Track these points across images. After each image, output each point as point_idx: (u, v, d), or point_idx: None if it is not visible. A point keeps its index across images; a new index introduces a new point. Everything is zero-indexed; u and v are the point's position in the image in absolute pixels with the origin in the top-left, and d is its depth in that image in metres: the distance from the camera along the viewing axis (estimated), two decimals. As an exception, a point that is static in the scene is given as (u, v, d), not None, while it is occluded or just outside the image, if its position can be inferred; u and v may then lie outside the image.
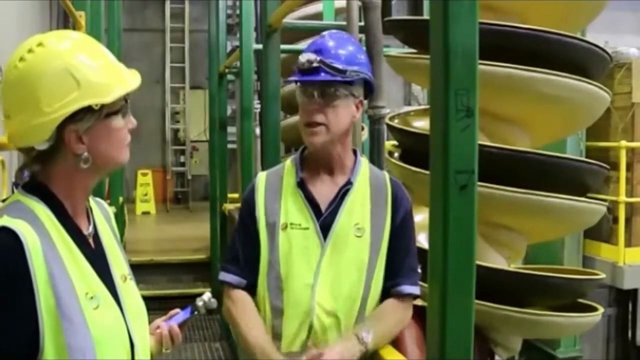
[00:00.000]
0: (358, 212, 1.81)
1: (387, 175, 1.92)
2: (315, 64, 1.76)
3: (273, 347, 1.76)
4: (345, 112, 1.80)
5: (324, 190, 1.84)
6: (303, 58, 1.78)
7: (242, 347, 1.87)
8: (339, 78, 1.77)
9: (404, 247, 1.84)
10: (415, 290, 1.83)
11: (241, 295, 1.85)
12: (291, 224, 1.80)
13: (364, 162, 1.91)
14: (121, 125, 1.29)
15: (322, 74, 1.76)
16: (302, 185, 1.84)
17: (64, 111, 1.20)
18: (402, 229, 1.84)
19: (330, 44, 1.82)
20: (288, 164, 1.91)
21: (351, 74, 1.78)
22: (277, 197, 1.85)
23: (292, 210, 1.82)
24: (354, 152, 1.91)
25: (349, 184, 1.83)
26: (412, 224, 1.89)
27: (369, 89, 1.88)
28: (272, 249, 1.81)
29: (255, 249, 1.83)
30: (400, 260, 1.83)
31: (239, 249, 1.88)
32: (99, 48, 1.30)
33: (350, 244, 1.78)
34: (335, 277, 1.77)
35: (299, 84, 1.82)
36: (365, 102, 3.07)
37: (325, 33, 1.90)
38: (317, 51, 1.79)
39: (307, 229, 1.79)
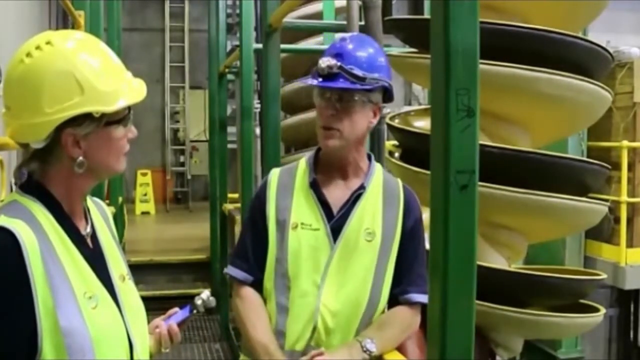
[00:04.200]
0: (369, 217, 1.81)
1: (400, 182, 1.92)
2: (335, 70, 1.75)
3: (277, 347, 1.76)
4: (362, 119, 1.79)
5: (336, 192, 1.84)
6: (323, 63, 1.76)
7: (245, 344, 1.87)
8: (357, 86, 1.75)
9: (412, 254, 1.83)
10: (423, 298, 1.80)
11: (249, 293, 1.86)
12: (302, 224, 1.80)
13: (377, 167, 1.90)
14: (120, 135, 1.28)
15: (341, 81, 1.75)
16: (314, 185, 1.83)
17: (64, 114, 1.19)
18: (411, 236, 1.83)
19: (351, 47, 1.80)
20: (302, 163, 1.91)
21: (370, 81, 1.76)
22: (289, 196, 1.85)
23: (304, 210, 1.82)
24: (369, 156, 1.91)
25: (362, 188, 1.83)
26: (422, 232, 1.88)
27: (388, 95, 1.86)
28: (281, 247, 1.81)
29: (264, 245, 1.84)
30: (408, 267, 1.82)
31: (248, 244, 1.88)
32: (108, 53, 1.29)
33: (360, 248, 1.78)
34: (342, 280, 1.77)
35: (315, 88, 1.81)
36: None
37: (346, 35, 1.89)
38: (338, 55, 1.78)
39: (317, 230, 1.79)
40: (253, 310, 1.83)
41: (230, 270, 1.89)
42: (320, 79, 1.77)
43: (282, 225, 1.82)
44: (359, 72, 1.75)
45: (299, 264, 1.78)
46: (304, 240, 1.79)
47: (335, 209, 1.81)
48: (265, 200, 1.87)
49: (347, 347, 1.73)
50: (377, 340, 1.74)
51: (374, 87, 1.78)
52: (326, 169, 1.86)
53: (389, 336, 1.78)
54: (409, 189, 1.90)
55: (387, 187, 1.86)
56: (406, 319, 1.82)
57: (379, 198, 1.84)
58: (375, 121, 1.84)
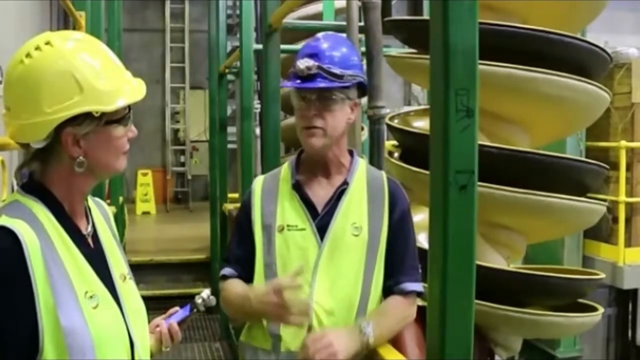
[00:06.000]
0: (355, 212, 1.82)
1: (384, 175, 1.93)
2: (313, 70, 1.76)
3: (254, 289, 1.77)
4: (342, 116, 1.82)
5: (320, 191, 1.85)
6: (302, 64, 1.78)
7: (232, 313, 1.89)
8: (336, 84, 1.78)
9: (403, 245, 1.84)
10: (418, 287, 1.82)
11: (229, 281, 1.88)
12: (288, 225, 1.81)
13: (360, 162, 1.92)
14: (120, 134, 1.29)
15: (320, 80, 1.77)
16: (297, 187, 1.85)
17: (63, 114, 1.20)
18: (400, 227, 1.84)
19: (325, 46, 1.82)
20: (285, 167, 1.93)
21: (348, 78, 1.79)
22: (274, 200, 1.87)
23: (289, 212, 1.83)
24: (350, 152, 1.92)
25: (345, 184, 1.84)
26: (411, 222, 1.89)
27: (363, 91, 1.89)
28: (269, 251, 1.82)
29: (250, 250, 1.85)
30: (400, 258, 1.83)
31: (234, 250, 1.92)
32: (107, 53, 1.29)
33: (348, 243, 1.79)
34: (333, 277, 1.78)
35: (293, 89, 1.82)
36: (365, 102, 3.08)
37: (319, 35, 1.90)
38: (313, 55, 1.80)
39: (303, 229, 1.80)
40: (232, 285, 1.85)
41: (220, 273, 1.92)
42: (298, 81, 1.79)
43: (268, 230, 1.83)
44: (336, 70, 1.78)
45: (288, 266, 1.77)
46: (292, 242, 1.80)
47: (319, 207, 1.83)
48: (250, 208, 1.88)
49: (347, 330, 1.72)
50: (375, 326, 1.72)
51: (351, 83, 1.80)
52: (309, 169, 1.88)
53: (385, 325, 1.76)
54: (393, 181, 1.91)
55: (371, 181, 1.88)
56: (401, 308, 1.81)
57: (363, 192, 1.85)
58: (353, 117, 1.86)
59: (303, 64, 1.78)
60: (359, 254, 1.79)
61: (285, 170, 1.92)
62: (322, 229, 1.80)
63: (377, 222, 1.82)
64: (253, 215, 1.87)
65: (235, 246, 1.92)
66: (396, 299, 1.81)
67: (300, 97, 1.81)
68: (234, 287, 1.85)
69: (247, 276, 1.86)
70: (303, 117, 1.80)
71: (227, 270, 1.90)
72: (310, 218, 1.81)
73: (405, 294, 1.82)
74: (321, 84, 1.77)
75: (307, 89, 1.78)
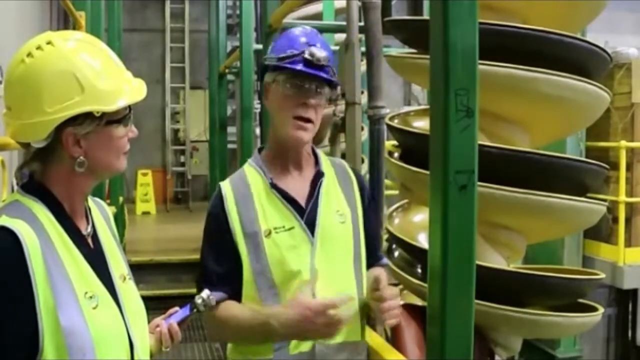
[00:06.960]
0: (335, 199, 1.83)
1: (345, 162, 1.98)
2: (322, 62, 1.71)
3: (276, 315, 1.67)
4: (322, 113, 1.81)
5: (296, 185, 1.80)
6: (318, 52, 1.71)
7: (237, 340, 1.79)
8: (334, 80, 1.77)
9: (374, 226, 1.98)
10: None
11: (224, 305, 1.75)
12: (275, 228, 1.73)
13: (321, 153, 1.92)
14: (121, 134, 1.29)
15: (327, 73, 1.73)
16: (274, 186, 1.78)
17: (64, 113, 1.20)
18: (370, 210, 1.92)
19: (322, 42, 1.80)
20: (249, 169, 1.84)
21: (337, 79, 1.80)
22: (252, 205, 1.76)
23: (272, 214, 1.75)
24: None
25: (321, 175, 1.82)
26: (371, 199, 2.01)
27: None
28: (258, 258, 1.73)
29: (233, 264, 1.74)
30: (375, 237, 1.97)
31: (213, 269, 1.77)
32: (108, 53, 1.29)
33: (336, 232, 1.79)
34: (329, 268, 1.75)
35: (289, 74, 1.73)
36: (365, 102, 3.08)
37: (307, 30, 1.83)
38: (322, 47, 1.75)
39: (292, 228, 1.74)
40: (234, 313, 1.73)
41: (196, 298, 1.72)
42: (306, 66, 1.71)
43: (253, 238, 1.73)
44: (334, 67, 1.77)
45: (284, 268, 1.72)
46: (282, 244, 1.73)
47: (302, 201, 1.78)
48: (225, 218, 1.76)
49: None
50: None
51: (339, 84, 1.81)
52: (279, 166, 1.82)
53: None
54: (353, 167, 1.98)
55: (338, 169, 1.90)
56: (385, 276, 1.90)
57: (335, 180, 1.86)
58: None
59: (318, 52, 1.71)
60: (347, 241, 1.80)
61: (250, 171, 1.83)
62: (311, 224, 1.76)
63: (354, 206, 1.85)
64: (231, 225, 1.75)
65: (214, 263, 1.77)
66: (381, 270, 1.92)
67: (296, 84, 1.72)
68: (235, 313, 1.72)
69: (235, 293, 1.75)
70: (300, 106, 1.72)
71: (215, 294, 1.70)
72: (297, 215, 1.75)
73: (384, 265, 1.98)
74: (327, 76, 1.73)
75: (315, 77, 1.71)
